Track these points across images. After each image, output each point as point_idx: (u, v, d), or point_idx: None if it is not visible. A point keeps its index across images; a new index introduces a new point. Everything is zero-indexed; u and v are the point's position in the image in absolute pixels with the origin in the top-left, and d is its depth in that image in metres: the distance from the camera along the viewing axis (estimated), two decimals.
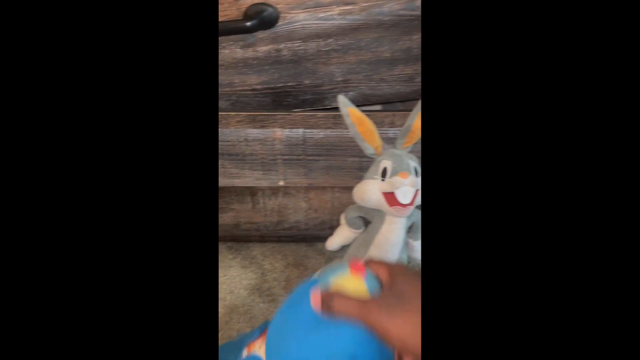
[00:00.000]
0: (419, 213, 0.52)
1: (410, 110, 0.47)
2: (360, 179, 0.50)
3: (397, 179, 0.44)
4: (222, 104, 0.54)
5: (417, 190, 0.45)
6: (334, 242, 0.55)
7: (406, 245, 0.53)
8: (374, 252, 0.50)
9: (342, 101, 0.46)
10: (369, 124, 0.47)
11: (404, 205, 0.45)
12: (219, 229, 0.63)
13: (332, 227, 0.57)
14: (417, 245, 0.54)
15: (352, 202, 0.52)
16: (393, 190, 0.44)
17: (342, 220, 0.54)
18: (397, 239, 0.49)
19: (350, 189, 0.51)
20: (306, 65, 0.49)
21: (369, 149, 0.48)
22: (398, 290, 0.26)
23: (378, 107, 0.57)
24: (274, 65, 0.49)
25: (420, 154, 0.52)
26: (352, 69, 0.50)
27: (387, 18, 0.47)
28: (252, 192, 0.59)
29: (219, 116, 0.52)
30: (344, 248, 0.57)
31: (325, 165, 0.55)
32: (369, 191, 0.46)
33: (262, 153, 0.55)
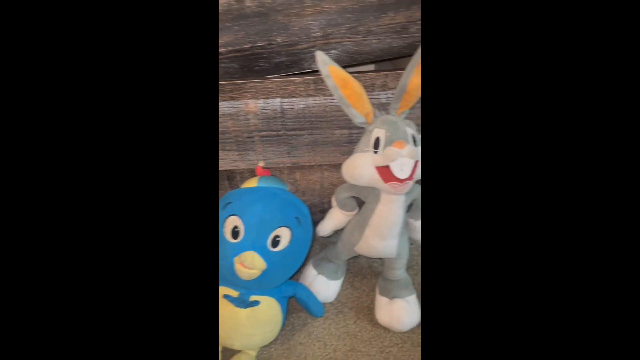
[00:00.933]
0: (419, 189, 0.45)
1: (404, 69, 0.39)
2: (351, 154, 0.43)
3: (392, 149, 0.37)
4: None
5: (416, 162, 0.38)
6: (325, 227, 0.49)
7: (406, 226, 0.47)
8: (370, 234, 0.44)
9: (321, 59, 0.38)
10: (355, 86, 0.39)
11: (402, 181, 0.38)
12: None
13: (323, 211, 0.50)
14: (419, 225, 0.47)
15: (344, 181, 0.45)
16: (388, 163, 0.37)
17: (334, 202, 0.47)
18: (396, 220, 0.42)
19: (340, 166, 0.44)
20: (276, 19, 0.41)
21: (357, 117, 0.41)
22: None
23: (368, 67, 0.49)
24: (237, 21, 0.41)
25: (420, 119, 0.44)
26: (333, 20, 0.42)
27: None
28: (229, 175, 0.52)
29: None
30: (337, 233, 0.51)
31: (310, 140, 0.48)
32: (360, 166, 0.40)
33: (236, 130, 0.47)
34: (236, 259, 0.39)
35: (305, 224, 0.43)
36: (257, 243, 0.39)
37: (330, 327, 0.49)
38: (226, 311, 0.41)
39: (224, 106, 0.45)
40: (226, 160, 0.50)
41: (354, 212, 0.46)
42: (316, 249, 0.58)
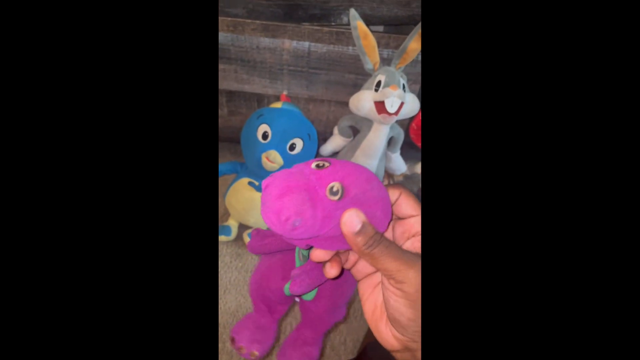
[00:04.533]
0: (400, 130, 0.62)
1: (406, 34, 0.54)
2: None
3: (388, 90, 0.53)
4: (239, 11, 0.58)
5: (402, 103, 0.55)
6: (326, 148, 0.65)
7: (384, 155, 0.63)
8: (359, 155, 0.61)
9: (353, 14, 0.52)
10: (372, 39, 0.54)
11: (390, 114, 0.54)
12: (228, 130, 0.71)
13: (325, 139, 0.65)
14: (394, 157, 0.65)
15: (345, 115, 0.60)
16: (383, 99, 0.53)
17: (335, 131, 0.63)
18: (380, 145, 0.59)
19: (345, 104, 0.59)
20: None
21: (368, 64, 0.56)
22: None
23: (377, 28, 0.63)
24: None
25: (420, 75, 0.60)
26: None
27: None
28: (259, 98, 0.66)
29: (236, 22, 0.57)
30: (334, 154, 0.67)
31: (326, 79, 0.63)
32: (363, 99, 0.55)
33: (271, 62, 0.61)
34: (263, 155, 0.54)
35: (313, 139, 0.58)
36: (280, 146, 0.54)
37: None
38: (248, 194, 0.56)
39: (266, 42, 0.59)
40: (259, 85, 0.64)
41: (350, 139, 0.62)
42: None
